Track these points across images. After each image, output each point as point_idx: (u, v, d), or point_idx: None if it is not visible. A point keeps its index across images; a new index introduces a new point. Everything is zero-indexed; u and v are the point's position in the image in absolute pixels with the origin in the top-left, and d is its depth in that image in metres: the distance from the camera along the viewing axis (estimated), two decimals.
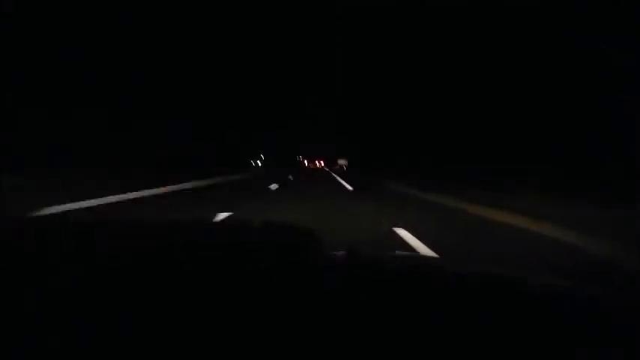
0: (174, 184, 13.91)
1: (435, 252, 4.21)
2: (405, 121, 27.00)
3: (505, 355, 0.57)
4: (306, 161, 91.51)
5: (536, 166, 12.15)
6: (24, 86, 16.09)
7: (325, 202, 10.47)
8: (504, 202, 7.91)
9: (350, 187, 17.02)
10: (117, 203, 9.09)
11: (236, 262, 0.89)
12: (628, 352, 0.60)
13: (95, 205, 8.40)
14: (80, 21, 18.58)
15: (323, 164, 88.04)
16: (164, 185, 12.92)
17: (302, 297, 0.72)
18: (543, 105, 12.78)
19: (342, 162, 70.36)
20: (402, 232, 5.41)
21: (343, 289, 0.79)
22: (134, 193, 10.67)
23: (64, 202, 7.78)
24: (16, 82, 15.45)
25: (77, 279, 0.73)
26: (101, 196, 9.16)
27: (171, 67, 26.89)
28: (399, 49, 26.41)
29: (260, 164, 55.03)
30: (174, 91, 26.98)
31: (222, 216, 6.83)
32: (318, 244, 0.98)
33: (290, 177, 24.75)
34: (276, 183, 17.18)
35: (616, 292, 1.04)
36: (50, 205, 7.30)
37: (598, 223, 5.11)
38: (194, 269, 0.81)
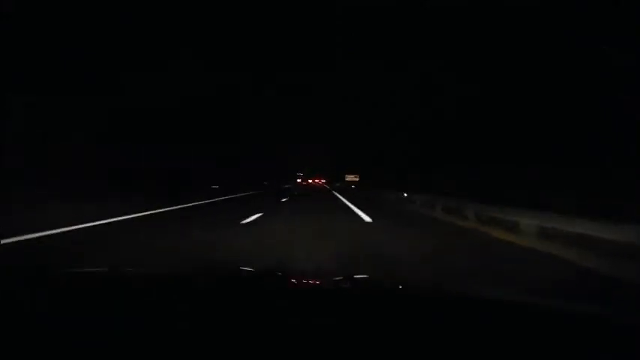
0: (225, 195, 21.20)
1: None
2: (417, 134, 25.41)
3: None
4: (299, 179, 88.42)
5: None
6: (24, 86, 16.09)
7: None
8: None
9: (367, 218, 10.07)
10: (210, 203, 14.78)
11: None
12: None
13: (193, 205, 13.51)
14: (80, 21, 18.58)
15: (324, 182, 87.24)
16: (220, 196, 20.05)
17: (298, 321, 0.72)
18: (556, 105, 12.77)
19: (351, 178, 54.37)
20: None
21: (340, 315, 0.79)
22: (214, 199, 17.59)
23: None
24: (15, 82, 15.45)
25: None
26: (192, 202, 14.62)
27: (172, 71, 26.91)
28: (399, 50, 26.40)
29: (267, 183, 57.48)
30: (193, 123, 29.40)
31: (256, 215, 9.93)
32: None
33: (295, 192, 30.12)
34: (285, 197, 21.66)
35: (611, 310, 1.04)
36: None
37: None
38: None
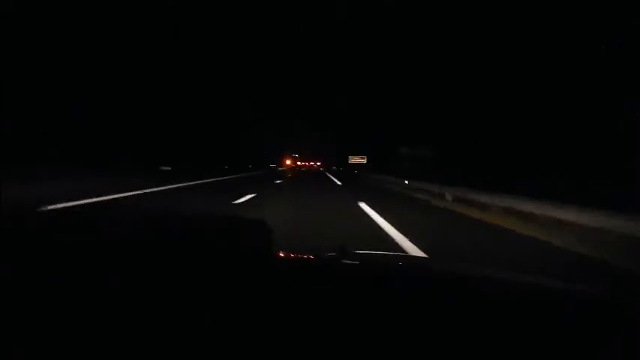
0: (222, 175, 21.80)
1: None
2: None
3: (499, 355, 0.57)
4: (288, 161, 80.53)
5: None
6: (24, 85, 16.07)
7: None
8: None
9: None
10: (203, 184, 14.20)
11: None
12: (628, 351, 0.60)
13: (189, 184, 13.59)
14: (80, 21, 18.56)
15: (319, 164, 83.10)
16: (218, 176, 20.36)
17: (293, 298, 0.72)
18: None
19: (356, 160, 44.79)
20: None
21: (333, 289, 0.79)
22: (209, 179, 17.10)
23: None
24: (16, 81, 15.43)
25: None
26: (188, 181, 14.50)
27: (170, 69, 26.88)
28: (401, 50, 26.39)
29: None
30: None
31: (249, 196, 9.11)
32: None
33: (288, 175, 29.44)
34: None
35: (612, 291, 1.04)
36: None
37: None
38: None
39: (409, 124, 27.39)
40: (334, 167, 61.02)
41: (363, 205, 7.65)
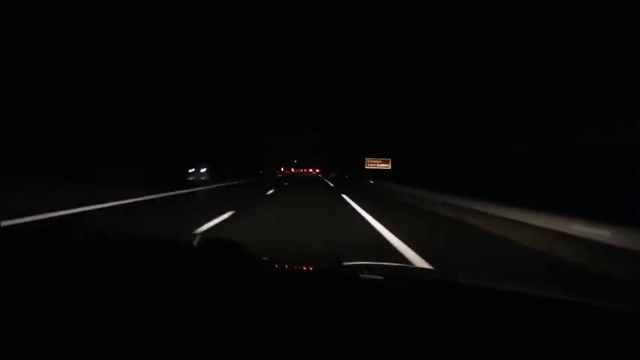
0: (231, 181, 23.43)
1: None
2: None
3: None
4: (282, 168, 79.17)
5: None
6: (24, 85, 16.06)
7: None
8: None
9: None
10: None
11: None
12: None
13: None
14: (80, 21, 18.55)
15: (318, 171, 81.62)
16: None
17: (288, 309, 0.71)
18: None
19: (376, 164, 30.49)
20: None
21: (332, 300, 0.79)
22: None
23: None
24: (16, 81, 15.43)
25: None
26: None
27: (169, 68, 26.87)
28: (402, 50, 26.36)
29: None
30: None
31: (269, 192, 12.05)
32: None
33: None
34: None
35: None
36: None
37: None
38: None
39: (409, 124, 27.34)
40: (333, 174, 53.52)
41: None
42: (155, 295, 0.76)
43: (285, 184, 24.74)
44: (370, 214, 8.16)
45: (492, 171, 14.42)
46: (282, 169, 78.21)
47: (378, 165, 30.06)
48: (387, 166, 29.74)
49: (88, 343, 0.58)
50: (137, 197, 9.59)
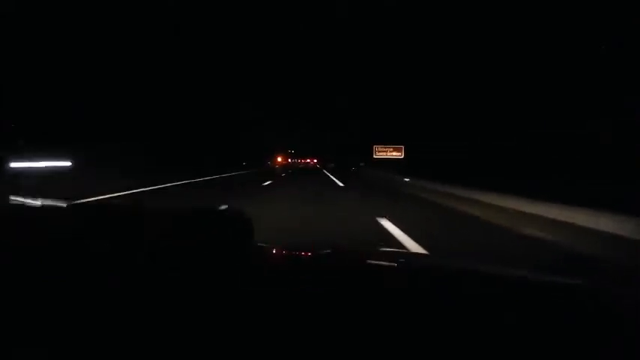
0: (231, 172, 23.83)
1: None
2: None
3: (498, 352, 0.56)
4: (279, 158, 73.99)
5: None
6: (24, 85, 16.08)
7: None
8: None
9: None
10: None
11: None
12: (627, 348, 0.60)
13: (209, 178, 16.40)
14: (80, 21, 18.57)
15: (316, 161, 79.49)
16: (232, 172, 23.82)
17: (285, 297, 0.71)
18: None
19: (387, 152, 25.58)
20: None
21: (327, 288, 0.78)
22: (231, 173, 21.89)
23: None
24: (16, 81, 15.44)
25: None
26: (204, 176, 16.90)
27: (168, 67, 26.90)
28: (402, 50, 26.37)
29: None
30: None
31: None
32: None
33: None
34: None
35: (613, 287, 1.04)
36: None
37: None
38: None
39: (409, 124, 27.33)
40: (331, 164, 52.56)
41: None
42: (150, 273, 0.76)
43: (283, 175, 23.83)
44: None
45: (492, 171, 14.44)
46: (280, 160, 72.24)
47: (388, 153, 25.23)
48: (400, 155, 24.92)
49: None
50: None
